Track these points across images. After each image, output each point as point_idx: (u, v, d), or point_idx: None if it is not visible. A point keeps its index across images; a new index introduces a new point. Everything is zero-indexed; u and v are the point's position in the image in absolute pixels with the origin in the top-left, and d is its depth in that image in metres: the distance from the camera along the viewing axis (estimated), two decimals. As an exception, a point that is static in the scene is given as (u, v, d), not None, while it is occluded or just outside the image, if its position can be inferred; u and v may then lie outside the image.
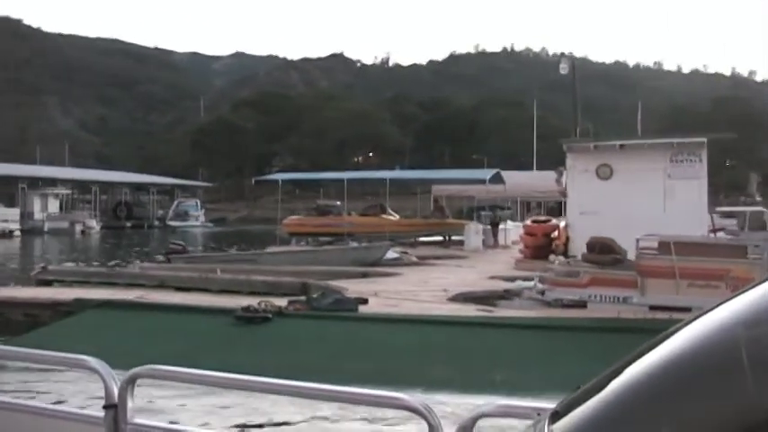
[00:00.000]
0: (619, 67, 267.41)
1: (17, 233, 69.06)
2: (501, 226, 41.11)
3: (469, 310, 17.66)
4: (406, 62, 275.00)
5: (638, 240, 19.40)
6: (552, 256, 29.20)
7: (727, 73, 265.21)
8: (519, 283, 21.33)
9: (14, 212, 73.07)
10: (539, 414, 2.23)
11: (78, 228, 76.38)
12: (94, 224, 79.82)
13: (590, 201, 29.81)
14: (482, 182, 38.80)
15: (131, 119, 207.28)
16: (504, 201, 56.70)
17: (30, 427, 4.29)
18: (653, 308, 16.28)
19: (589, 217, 29.88)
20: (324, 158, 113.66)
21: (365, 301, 17.46)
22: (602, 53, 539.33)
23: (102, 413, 3.96)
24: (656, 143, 30.36)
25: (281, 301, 17.46)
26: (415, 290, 20.85)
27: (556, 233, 31.32)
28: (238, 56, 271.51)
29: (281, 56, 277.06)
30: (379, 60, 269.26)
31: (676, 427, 1.68)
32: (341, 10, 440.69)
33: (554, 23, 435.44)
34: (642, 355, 1.90)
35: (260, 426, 10.77)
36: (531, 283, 20.09)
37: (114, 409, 3.91)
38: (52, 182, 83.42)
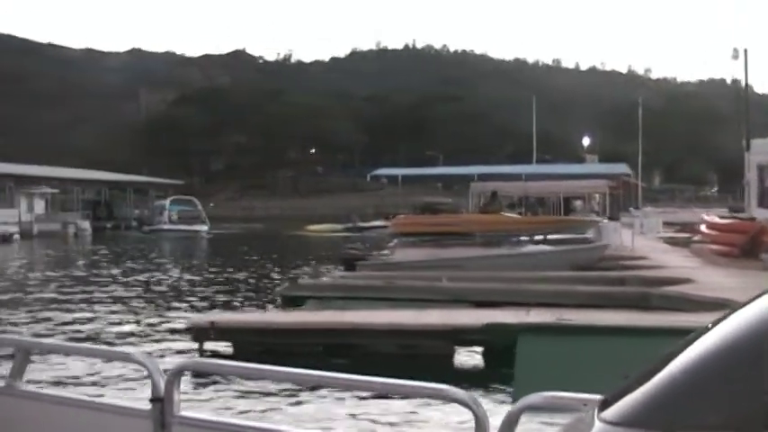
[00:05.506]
0: (518, 64, 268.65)
1: (17, 237, 62.33)
2: None
3: None
4: (308, 59, 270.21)
5: None
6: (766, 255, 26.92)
7: (624, 70, 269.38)
8: None
9: (12, 213, 66.50)
10: (585, 405, 2.35)
11: (71, 230, 69.88)
12: (87, 226, 73.19)
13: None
14: (616, 177, 36.22)
15: (26, 116, 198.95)
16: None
17: (78, 420, 4.29)
18: None
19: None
20: (274, 155, 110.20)
21: None
22: (501, 50, 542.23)
23: (149, 406, 3.94)
24: None
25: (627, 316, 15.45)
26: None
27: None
28: (135, 52, 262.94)
29: (179, 52, 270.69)
30: (281, 57, 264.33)
31: (723, 413, 1.77)
32: (241, 5, 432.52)
33: (454, 21, 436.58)
34: (689, 346, 2.01)
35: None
36: None
37: (161, 402, 3.88)
38: (33, 180, 76.76)
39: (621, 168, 36.91)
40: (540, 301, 18.25)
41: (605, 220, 36.33)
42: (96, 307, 23.40)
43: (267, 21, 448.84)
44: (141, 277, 32.94)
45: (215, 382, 11.65)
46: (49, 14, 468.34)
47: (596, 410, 2.04)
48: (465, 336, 15.15)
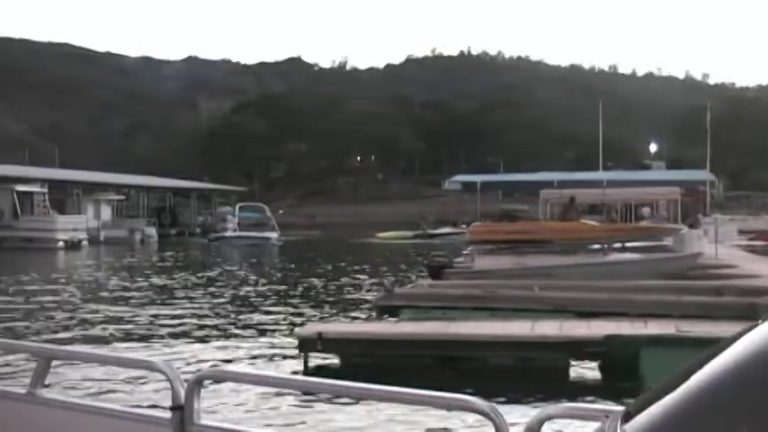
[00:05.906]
0: (575, 70, 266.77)
1: (85, 243, 63.29)
2: None
3: None
4: (363, 66, 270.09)
5: None
6: None
7: (681, 76, 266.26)
8: None
9: (81, 220, 66.99)
10: (607, 416, 2.29)
11: (138, 236, 70.88)
12: (153, 232, 73.93)
13: None
14: (699, 183, 35.49)
15: (85, 124, 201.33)
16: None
17: (97, 428, 4.32)
18: None
19: None
20: (333, 161, 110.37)
21: None
22: (556, 56, 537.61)
23: (169, 414, 3.94)
24: None
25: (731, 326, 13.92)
26: None
27: None
28: (191, 60, 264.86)
29: (234, 60, 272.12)
30: (336, 64, 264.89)
31: (752, 426, 1.69)
32: (295, 13, 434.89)
33: (510, 28, 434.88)
34: (715, 357, 1.92)
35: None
36: None
37: (181, 410, 3.89)
38: (100, 186, 77.52)
39: (706, 175, 36.12)
40: (644, 312, 17.66)
41: (686, 228, 35.55)
42: (189, 312, 23.56)
43: (322, 28, 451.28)
44: (222, 283, 32.99)
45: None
46: (106, 23, 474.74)
47: (619, 422, 2.00)
48: (583, 348, 14.66)
